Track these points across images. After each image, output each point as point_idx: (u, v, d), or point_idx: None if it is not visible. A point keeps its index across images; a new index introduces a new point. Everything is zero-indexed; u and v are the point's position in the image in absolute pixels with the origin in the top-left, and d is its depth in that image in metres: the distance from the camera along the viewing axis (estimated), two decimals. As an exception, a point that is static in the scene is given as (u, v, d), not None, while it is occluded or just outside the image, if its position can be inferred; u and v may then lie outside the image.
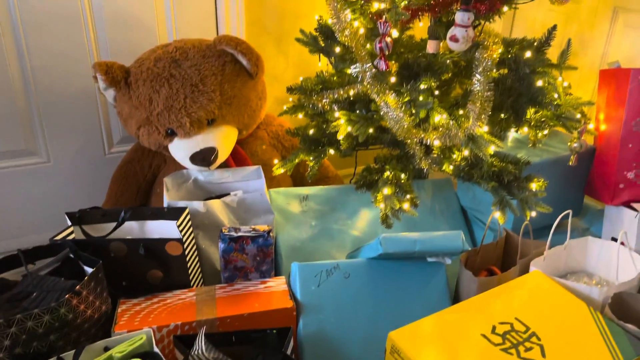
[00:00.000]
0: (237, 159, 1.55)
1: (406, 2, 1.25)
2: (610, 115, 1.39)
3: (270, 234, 1.24)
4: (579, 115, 1.35)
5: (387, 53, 1.24)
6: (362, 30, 1.33)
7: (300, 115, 1.55)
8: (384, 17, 1.24)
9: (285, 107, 1.57)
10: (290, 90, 1.52)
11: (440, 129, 1.25)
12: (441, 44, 1.32)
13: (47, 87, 1.54)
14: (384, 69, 1.27)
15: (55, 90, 1.55)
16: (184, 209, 1.27)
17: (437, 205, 1.55)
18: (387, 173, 1.32)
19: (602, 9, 1.65)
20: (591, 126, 1.43)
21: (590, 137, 1.47)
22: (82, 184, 1.70)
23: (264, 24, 1.77)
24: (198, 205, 1.32)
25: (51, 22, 1.48)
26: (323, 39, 1.46)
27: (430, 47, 1.38)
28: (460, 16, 1.20)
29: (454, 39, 1.21)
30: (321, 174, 1.75)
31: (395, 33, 1.32)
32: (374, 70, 1.29)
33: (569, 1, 1.31)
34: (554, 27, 1.34)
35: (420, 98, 1.26)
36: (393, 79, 1.29)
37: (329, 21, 1.43)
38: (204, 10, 1.66)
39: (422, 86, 1.25)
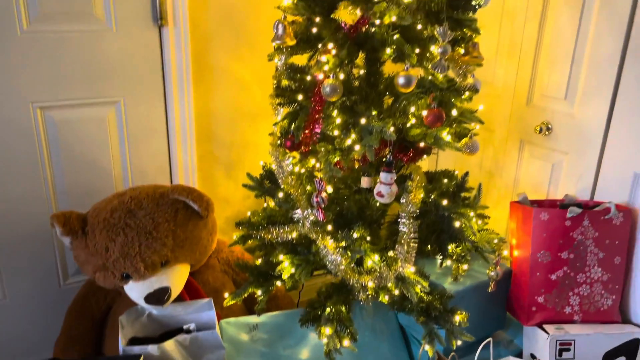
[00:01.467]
0: (190, 290, 1.65)
1: (338, 158, 1.43)
2: (520, 244, 1.59)
3: (221, 377, 1.34)
4: (496, 245, 1.54)
5: (322, 206, 1.41)
6: (303, 170, 1.50)
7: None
8: (319, 176, 1.42)
9: (235, 237, 1.70)
10: (239, 224, 1.66)
11: (373, 271, 1.41)
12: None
13: (4, 228, 1.62)
14: (321, 219, 1.43)
15: (12, 230, 1.63)
16: (138, 355, 1.35)
17: (377, 325, 1.69)
18: (328, 310, 1.45)
19: (511, 138, 1.90)
20: (506, 252, 1.62)
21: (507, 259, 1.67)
22: (37, 317, 1.75)
23: (215, 155, 1.92)
24: (152, 349, 1.40)
25: (10, 165, 1.57)
26: (268, 182, 1.62)
27: (364, 182, 1.57)
28: (384, 176, 1.38)
29: (380, 194, 1.39)
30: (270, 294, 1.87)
31: (330, 189, 1.49)
32: (312, 217, 1.45)
33: (477, 151, 1.53)
34: (466, 174, 1.55)
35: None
36: (330, 227, 1.45)
37: (273, 166, 1.61)
38: (158, 154, 1.80)
39: (355, 234, 1.41)
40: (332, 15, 1.42)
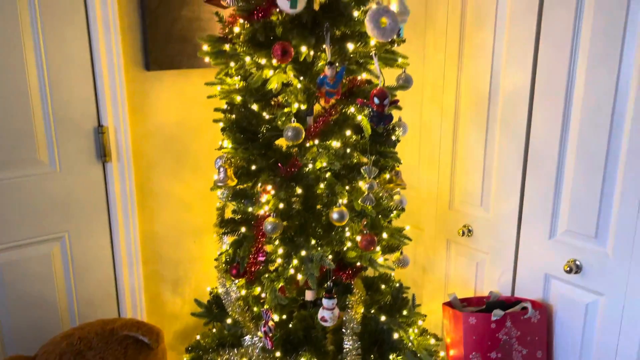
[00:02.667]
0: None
1: (282, 284, 1.53)
2: (454, 344, 1.73)
3: None
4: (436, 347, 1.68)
5: (270, 335, 1.49)
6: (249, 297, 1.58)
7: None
8: (266, 306, 1.51)
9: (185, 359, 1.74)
10: (189, 350, 1.70)
11: (322, 393, 1.49)
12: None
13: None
14: (269, 347, 1.51)
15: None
16: None
17: None
18: None
19: (439, 238, 2.09)
20: (442, 353, 1.76)
21: (444, 357, 1.81)
22: None
23: (161, 274, 1.97)
24: None
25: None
26: (216, 308, 1.69)
27: (308, 295, 1.68)
28: (326, 302, 1.49)
29: (324, 319, 1.50)
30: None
31: (276, 317, 1.58)
32: (260, 345, 1.53)
33: (407, 265, 1.69)
34: (401, 285, 1.70)
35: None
36: (278, 353, 1.53)
37: (219, 291, 1.68)
38: (105, 281, 1.83)
39: (303, 359, 1.50)
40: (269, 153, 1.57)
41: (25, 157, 1.60)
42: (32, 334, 1.67)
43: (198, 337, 1.72)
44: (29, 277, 1.67)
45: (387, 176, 1.65)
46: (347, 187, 1.50)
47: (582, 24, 1.53)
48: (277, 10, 1.41)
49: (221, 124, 1.59)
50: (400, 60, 1.58)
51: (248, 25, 1.46)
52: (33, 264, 1.67)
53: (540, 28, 1.64)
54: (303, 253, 1.49)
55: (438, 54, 1.97)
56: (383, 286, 1.76)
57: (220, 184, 1.50)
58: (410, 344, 1.63)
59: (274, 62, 1.40)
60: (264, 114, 1.57)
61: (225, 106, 1.64)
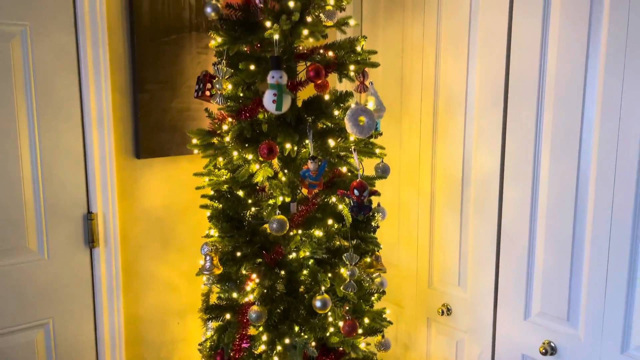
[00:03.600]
0: None
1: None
2: None
3: None
4: None
5: None
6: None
7: None
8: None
9: None
10: None
11: None
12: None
13: None
14: None
15: None
16: None
17: None
18: None
19: (419, 316, 2.13)
20: None
21: None
22: None
23: (144, 356, 1.96)
24: None
25: None
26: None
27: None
28: None
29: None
30: None
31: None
32: None
33: (389, 349, 1.72)
34: None
35: None
36: None
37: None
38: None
39: None
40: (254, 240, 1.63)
41: (15, 245, 1.64)
42: None
43: None
44: (10, 366, 1.66)
45: (368, 260, 1.72)
46: (329, 275, 1.56)
47: (544, 119, 1.67)
48: (263, 109, 1.52)
49: (208, 213, 1.66)
50: (378, 151, 1.69)
51: (236, 123, 1.56)
52: (16, 352, 1.67)
53: (506, 119, 1.78)
54: (287, 341, 1.53)
55: (413, 139, 2.10)
56: (366, 367, 1.79)
57: (206, 272, 1.55)
58: None
59: (260, 158, 1.49)
60: (249, 200, 1.65)
61: (211, 192, 1.71)
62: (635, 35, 1.43)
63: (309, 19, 1.51)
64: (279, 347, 1.56)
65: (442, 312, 2.00)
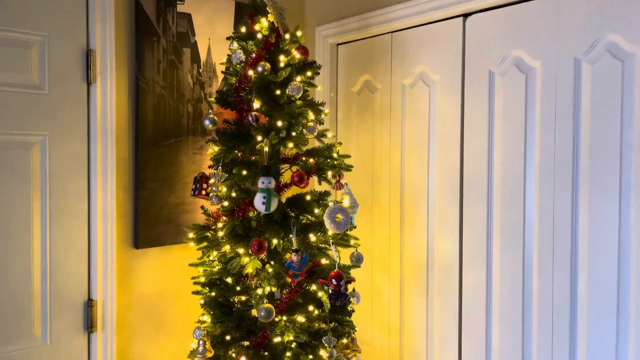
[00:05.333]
0: None
1: None
2: None
3: None
4: None
5: None
6: None
7: None
8: None
9: None
10: None
11: None
12: None
13: None
14: None
15: None
16: None
17: None
18: None
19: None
20: None
21: None
22: None
23: None
24: None
25: None
26: None
27: None
28: None
29: None
30: None
31: None
32: None
33: None
34: None
35: None
36: None
37: None
38: None
39: None
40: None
41: (22, 332, 1.78)
42: None
43: None
44: None
45: (345, 341, 1.90)
46: (310, 357, 1.74)
47: (493, 215, 1.95)
48: (254, 208, 1.75)
49: (201, 301, 1.84)
50: (352, 242, 1.93)
51: (228, 220, 1.79)
52: None
53: (462, 213, 2.06)
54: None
55: (384, 228, 2.35)
56: None
57: (199, 356, 1.71)
58: None
59: (250, 252, 1.71)
60: (237, 287, 1.85)
61: (202, 279, 1.90)
62: (561, 152, 1.76)
63: (293, 133, 1.79)
64: None
65: (413, 389, 2.17)
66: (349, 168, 1.94)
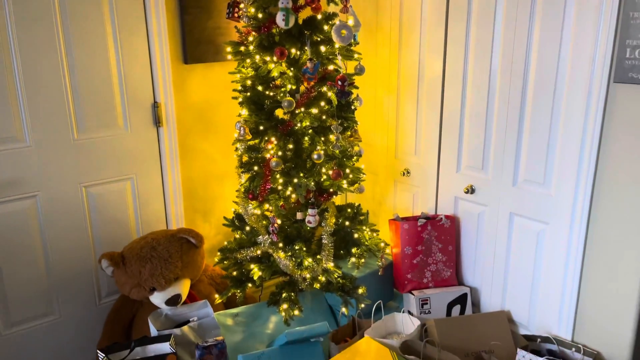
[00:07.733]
0: (189, 296, 2.50)
1: (282, 202, 2.38)
2: (395, 245, 2.62)
3: (224, 342, 2.21)
4: (381, 247, 2.56)
5: (275, 232, 2.35)
6: (260, 212, 2.44)
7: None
8: (272, 214, 2.37)
9: (216, 259, 2.58)
10: (221, 250, 2.55)
11: (309, 268, 2.36)
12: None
13: (61, 268, 2.40)
14: (275, 240, 2.37)
15: (65, 266, 2.41)
16: (170, 335, 2.19)
17: (314, 304, 2.63)
18: (284, 294, 2.38)
19: (388, 179, 2.96)
20: (388, 251, 2.64)
21: (389, 255, 2.69)
22: (81, 329, 2.51)
23: (195, 207, 2.81)
24: (177, 331, 2.24)
25: (63, 220, 2.38)
26: (238, 221, 2.54)
27: (299, 216, 2.53)
28: (310, 211, 2.35)
29: (309, 222, 2.36)
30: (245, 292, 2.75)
31: (279, 221, 2.44)
32: (269, 240, 2.39)
33: (363, 192, 2.56)
34: (359, 205, 2.56)
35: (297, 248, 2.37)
36: (280, 244, 2.39)
37: (240, 210, 2.53)
38: (158, 210, 2.66)
39: (297, 247, 2.36)
40: (272, 116, 2.40)
41: (111, 123, 2.42)
42: (112, 243, 2.50)
43: (226, 242, 2.57)
44: (111, 204, 2.50)
45: (349, 133, 2.50)
46: (322, 139, 2.35)
47: (470, 34, 2.39)
48: (276, 25, 2.23)
49: (240, 100, 2.42)
50: (356, 55, 2.42)
51: (257, 35, 2.28)
52: (114, 196, 2.50)
53: (447, 35, 2.49)
54: (295, 180, 2.35)
55: (385, 49, 2.82)
56: (349, 210, 2.63)
57: (240, 139, 2.34)
58: (365, 241, 2.51)
59: (275, 59, 2.23)
60: (267, 92, 2.41)
61: (240, 87, 2.46)
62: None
63: (306, -39, 2.18)
64: (290, 188, 2.38)
65: (404, 173, 2.82)
66: (353, -7, 2.35)
